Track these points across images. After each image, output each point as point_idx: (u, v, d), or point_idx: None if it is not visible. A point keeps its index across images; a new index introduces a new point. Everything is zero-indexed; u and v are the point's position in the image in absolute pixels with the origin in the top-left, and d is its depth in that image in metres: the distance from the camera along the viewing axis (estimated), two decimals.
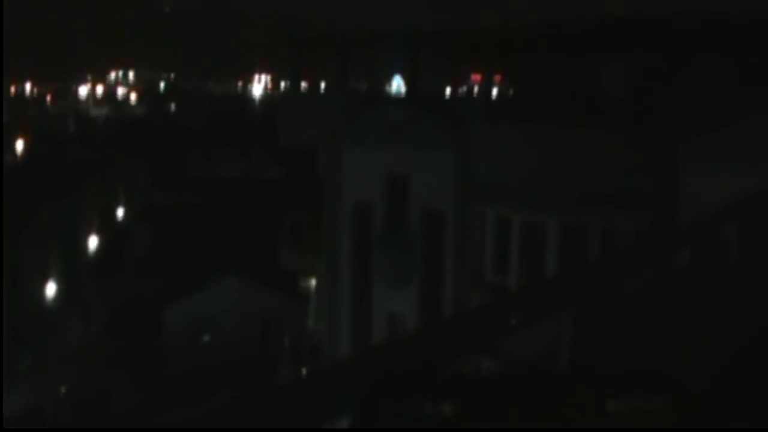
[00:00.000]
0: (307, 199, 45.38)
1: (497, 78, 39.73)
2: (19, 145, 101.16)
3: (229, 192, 73.36)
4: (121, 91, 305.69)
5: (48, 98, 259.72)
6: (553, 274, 25.99)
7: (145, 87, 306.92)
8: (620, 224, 26.42)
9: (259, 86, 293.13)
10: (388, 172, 32.18)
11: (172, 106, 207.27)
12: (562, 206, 26.64)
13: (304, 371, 43.56)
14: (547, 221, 26.87)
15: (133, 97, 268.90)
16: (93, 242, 79.54)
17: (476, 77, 50.33)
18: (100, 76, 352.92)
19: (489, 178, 28.57)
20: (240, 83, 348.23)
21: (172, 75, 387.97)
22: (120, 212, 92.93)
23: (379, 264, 32.74)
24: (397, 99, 37.86)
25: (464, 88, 48.56)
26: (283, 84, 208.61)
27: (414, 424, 9.78)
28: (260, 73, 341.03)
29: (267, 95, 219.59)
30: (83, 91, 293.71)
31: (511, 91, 38.62)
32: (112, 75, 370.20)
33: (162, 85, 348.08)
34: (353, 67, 37.50)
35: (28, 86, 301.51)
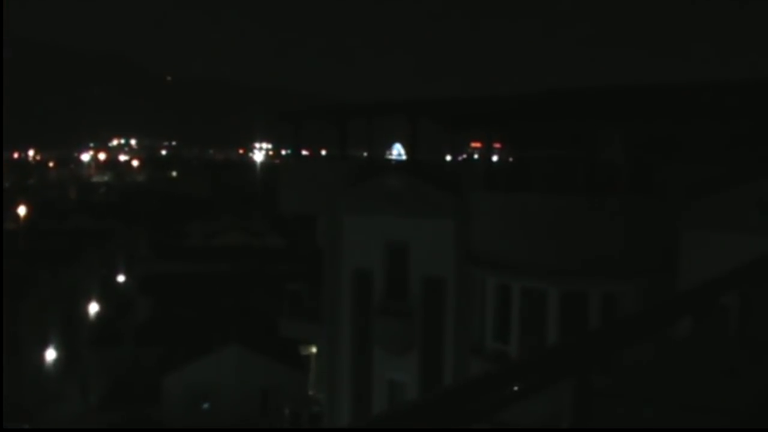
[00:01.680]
0: (307, 267, 45.33)
1: (497, 145, 39.90)
2: (21, 212, 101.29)
3: (229, 261, 73.44)
4: (123, 158, 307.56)
5: (50, 165, 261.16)
6: (554, 341, 25.83)
7: (146, 154, 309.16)
8: (621, 291, 26.38)
9: (259, 154, 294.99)
10: (387, 240, 32.18)
11: (174, 174, 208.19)
12: (562, 273, 26.59)
13: None
14: (547, 288, 26.79)
15: (135, 164, 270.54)
16: (93, 311, 79.33)
17: (476, 144, 50.66)
18: (102, 144, 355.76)
19: (489, 246, 28.55)
20: (241, 151, 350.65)
21: (174, 143, 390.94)
22: (120, 281, 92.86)
23: (379, 332, 32.58)
24: (396, 166, 38.00)
25: (464, 156, 48.80)
26: (283, 152, 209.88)
27: None
28: (261, 141, 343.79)
29: (268, 163, 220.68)
30: (85, 157, 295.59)
31: (510, 159, 38.78)
32: (115, 142, 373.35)
33: (163, 152, 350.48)
34: (353, 134, 37.69)
35: (30, 152, 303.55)
